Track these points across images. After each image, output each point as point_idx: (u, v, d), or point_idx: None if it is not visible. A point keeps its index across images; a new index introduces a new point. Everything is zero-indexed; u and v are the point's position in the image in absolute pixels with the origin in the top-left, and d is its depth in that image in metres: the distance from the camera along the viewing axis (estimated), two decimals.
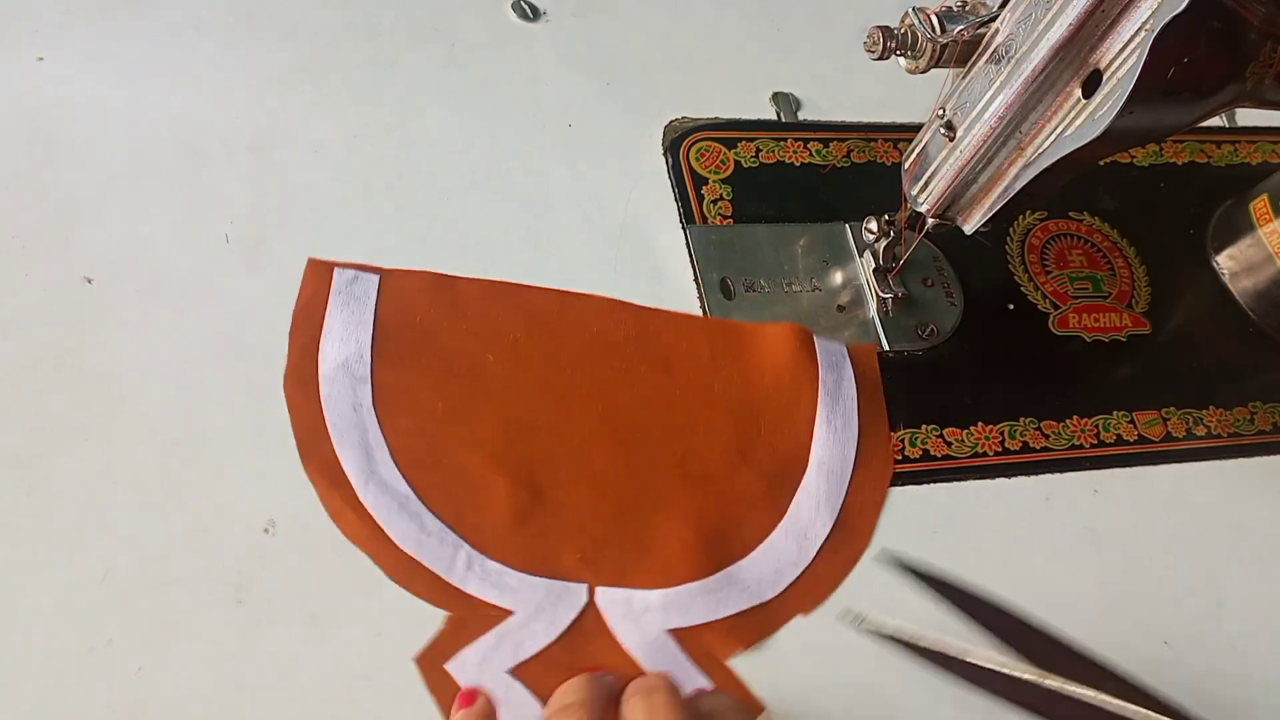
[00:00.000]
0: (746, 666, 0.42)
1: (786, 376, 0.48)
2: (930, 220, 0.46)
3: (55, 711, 0.36)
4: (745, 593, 0.43)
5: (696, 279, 0.51)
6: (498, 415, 0.44)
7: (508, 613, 0.40)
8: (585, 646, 0.40)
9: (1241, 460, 0.54)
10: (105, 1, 0.52)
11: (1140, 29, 0.36)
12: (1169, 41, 0.34)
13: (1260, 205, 0.58)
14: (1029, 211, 0.59)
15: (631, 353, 0.47)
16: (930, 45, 0.40)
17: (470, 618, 0.40)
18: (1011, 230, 0.58)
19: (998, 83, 0.40)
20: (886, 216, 0.50)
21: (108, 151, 0.47)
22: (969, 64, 0.41)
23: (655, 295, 0.50)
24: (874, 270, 0.52)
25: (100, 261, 0.44)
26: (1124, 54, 0.37)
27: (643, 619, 0.41)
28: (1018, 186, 0.42)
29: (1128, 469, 0.52)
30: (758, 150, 0.56)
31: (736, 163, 0.55)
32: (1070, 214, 0.59)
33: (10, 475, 0.39)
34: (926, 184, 0.45)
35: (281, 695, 0.37)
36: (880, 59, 0.41)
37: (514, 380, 0.45)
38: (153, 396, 0.42)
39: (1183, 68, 0.36)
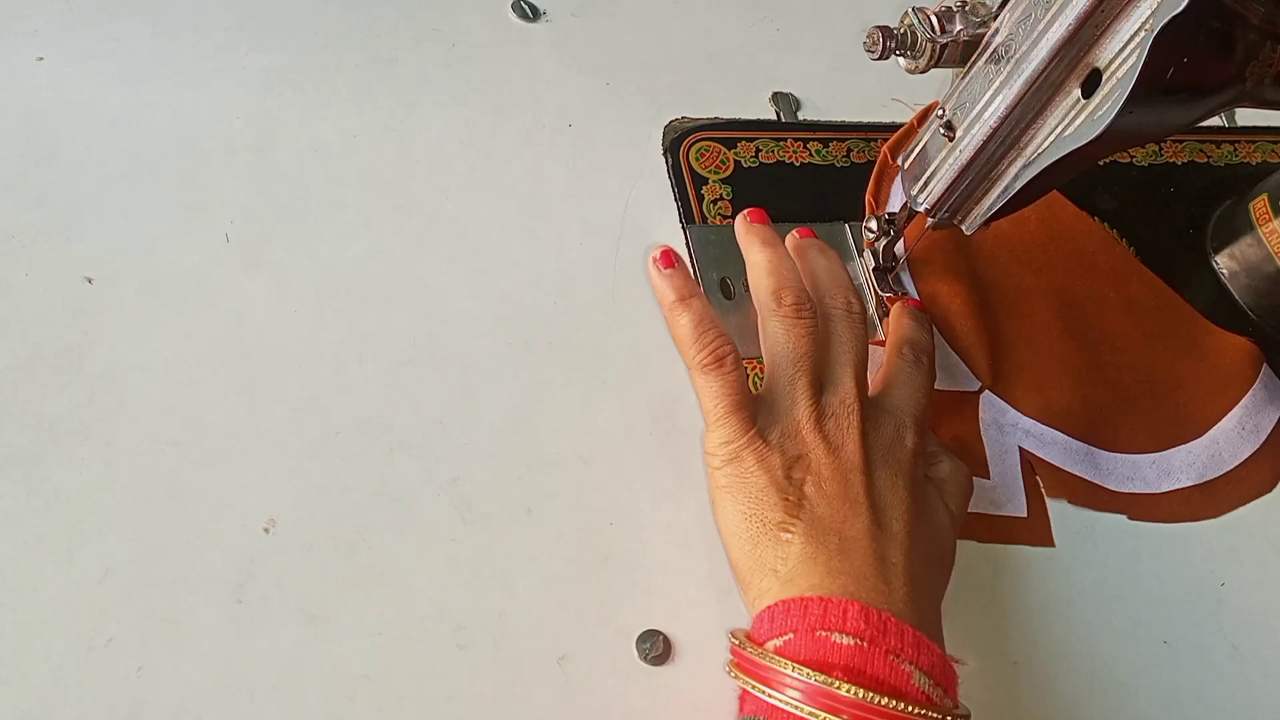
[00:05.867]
0: None
1: (1223, 371, 0.54)
2: (930, 220, 0.46)
3: (55, 711, 0.36)
4: (1096, 471, 0.50)
5: (696, 278, 0.51)
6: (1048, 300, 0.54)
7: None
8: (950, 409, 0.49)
9: None
10: (105, 1, 0.52)
11: (1140, 29, 0.36)
12: (1169, 41, 0.34)
13: (1260, 205, 0.58)
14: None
15: (1108, 282, 0.56)
16: (930, 45, 0.41)
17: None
18: None
19: (997, 83, 0.40)
20: (886, 216, 0.50)
21: (108, 151, 0.47)
22: (969, 64, 0.41)
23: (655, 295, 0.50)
24: (874, 270, 0.52)
25: (100, 261, 0.44)
26: (1124, 54, 0.37)
27: (1005, 425, 0.49)
28: (1018, 186, 0.42)
29: None
30: (758, 150, 0.56)
31: (736, 163, 0.55)
32: None
33: (10, 475, 0.39)
34: (926, 184, 0.45)
35: (281, 695, 0.37)
36: (880, 59, 0.42)
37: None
38: (153, 396, 0.42)
39: (1183, 68, 0.36)
